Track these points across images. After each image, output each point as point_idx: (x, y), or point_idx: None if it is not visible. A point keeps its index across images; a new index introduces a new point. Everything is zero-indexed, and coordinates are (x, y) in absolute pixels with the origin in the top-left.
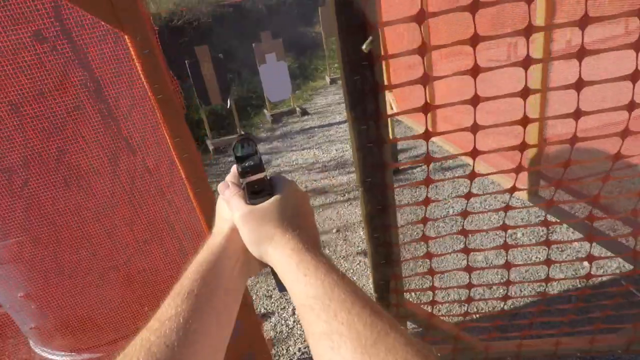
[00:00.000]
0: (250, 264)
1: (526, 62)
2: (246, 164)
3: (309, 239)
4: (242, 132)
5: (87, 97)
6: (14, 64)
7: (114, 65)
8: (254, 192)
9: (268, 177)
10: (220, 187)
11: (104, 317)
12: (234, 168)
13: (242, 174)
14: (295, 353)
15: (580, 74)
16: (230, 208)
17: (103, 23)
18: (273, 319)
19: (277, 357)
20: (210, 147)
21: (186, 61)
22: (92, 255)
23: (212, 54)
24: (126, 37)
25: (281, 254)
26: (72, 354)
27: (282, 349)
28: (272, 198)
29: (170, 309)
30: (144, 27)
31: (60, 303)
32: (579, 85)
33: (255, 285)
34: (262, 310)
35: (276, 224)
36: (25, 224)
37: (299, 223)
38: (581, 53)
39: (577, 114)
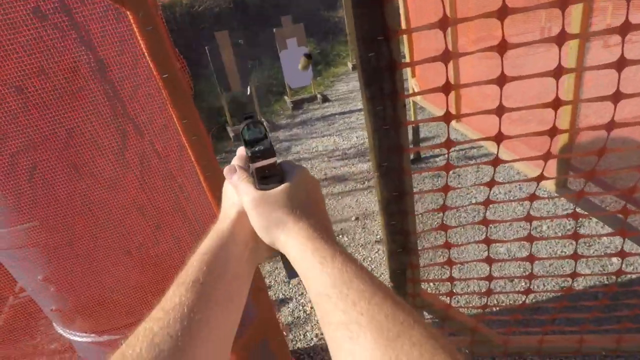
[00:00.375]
0: (259, 250)
1: (560, 39)
2: (256, 149)
3: (322, 227)
4: (246, 113)
5: (91, 76)
6: (14, 42)
7: (117, 43)
8: (264, 177)
9: (278, 163)
10: (227, 171)
11: (122, 299)
12: (241, 150)
13: (252, 158)
14: (312, 339)
15: (622, 52)
16: (239, 193)
17: None
18: (291, 304)
19: (294, 342)
20: (231, 134)
21: (206, 47)
22: (105, 240)
23: (233, 39)
24: (128, 13)
25: (294, 241)
26: (93, 335)
27: (300, 334)
28: (284, 184)
29: (174, 298)
30: (146, 2)
31: (78, 286)
32: (621, 64)
33: (274, 271)
34: (280, 296)
35: (288, 210)
36: (38, 208)
37: (311, 210)
38: (625, 28)
39: (616, 97)
